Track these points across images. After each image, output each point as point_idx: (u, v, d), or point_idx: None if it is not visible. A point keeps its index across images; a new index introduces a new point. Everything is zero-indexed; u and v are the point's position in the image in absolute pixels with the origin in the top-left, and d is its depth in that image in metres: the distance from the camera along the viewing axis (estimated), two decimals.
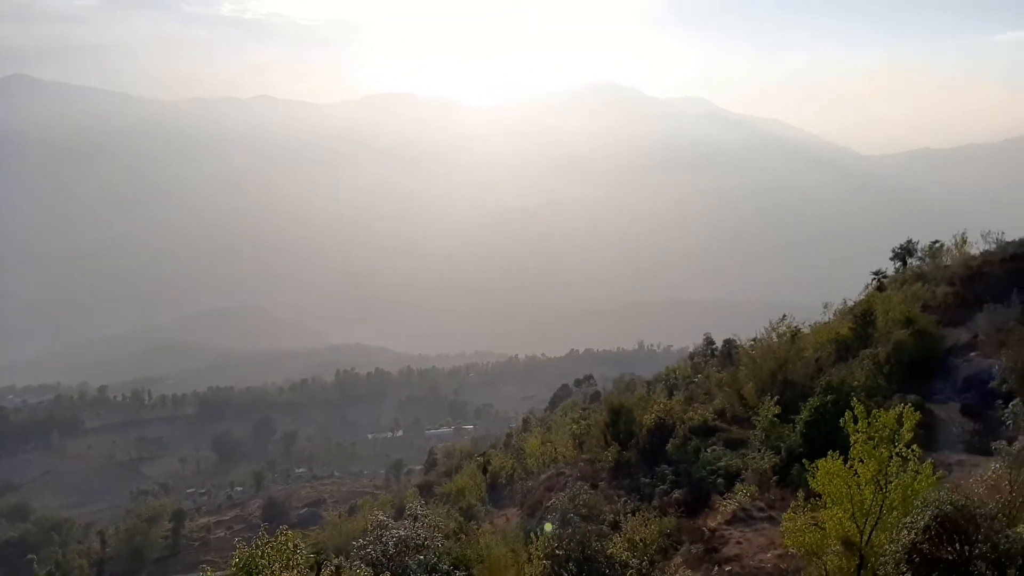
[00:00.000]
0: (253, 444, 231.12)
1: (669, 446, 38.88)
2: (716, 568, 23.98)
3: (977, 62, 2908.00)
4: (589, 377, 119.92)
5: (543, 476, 47.33)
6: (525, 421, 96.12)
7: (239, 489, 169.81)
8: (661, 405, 44.45)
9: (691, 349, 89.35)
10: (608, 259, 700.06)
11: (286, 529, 20.73)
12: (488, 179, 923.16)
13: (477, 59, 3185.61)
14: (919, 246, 58.87)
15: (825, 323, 50.72)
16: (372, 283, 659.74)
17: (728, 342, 59.91)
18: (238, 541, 20.92)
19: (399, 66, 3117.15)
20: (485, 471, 57.16)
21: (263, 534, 20.21)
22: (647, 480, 36.68)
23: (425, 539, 24.17)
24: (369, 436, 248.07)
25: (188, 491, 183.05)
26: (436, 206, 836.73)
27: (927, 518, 13.13)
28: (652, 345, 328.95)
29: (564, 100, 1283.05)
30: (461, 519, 39.78)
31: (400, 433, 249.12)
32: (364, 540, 24.30)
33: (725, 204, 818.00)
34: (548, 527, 28.37)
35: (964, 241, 56.63)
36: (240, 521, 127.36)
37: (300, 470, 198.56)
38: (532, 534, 26.81)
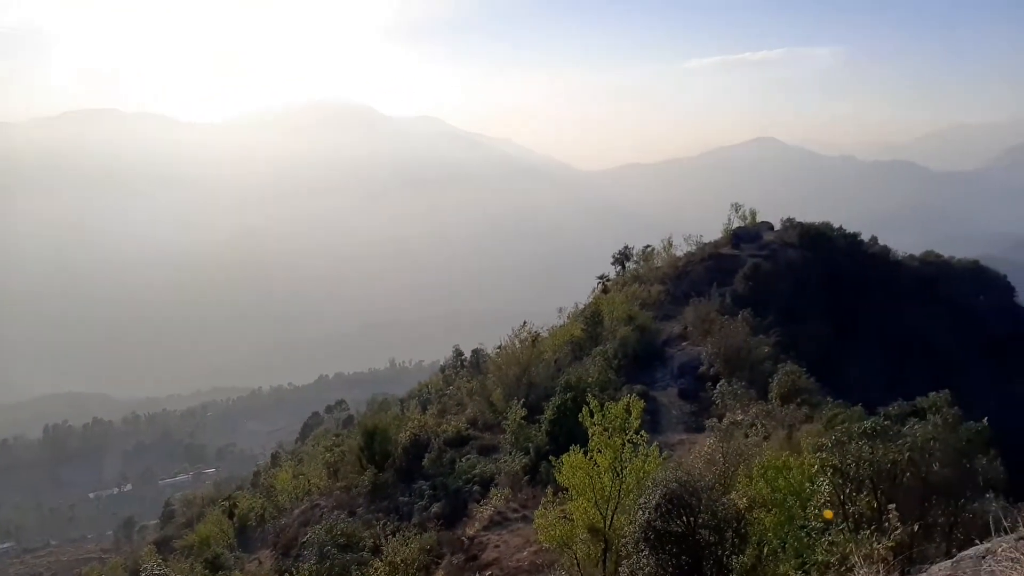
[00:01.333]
0: None
1: (425, 461, 38.97)
2: (477, 575, 24.33)
3: (669, 85, 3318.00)
4: (341, 402, 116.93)
5: (297, 511, 45.10)
6: (274, 456, 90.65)
7: None
8: (415, 421, 44.51)
9: (442, 362, 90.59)
10: (348, 280, 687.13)
11: None
12: (208, 201, 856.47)
13: (194, 72, 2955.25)
14: (634, 251, 65.90)
15: (561, 326, 54.45)
16: (78, 324, 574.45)
17: (476, 352, 61.68)
18: None
19: (102, 80, 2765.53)
20: (232, 515, 53.12)
21: None
22: (405, 499, 36.41)
23: None
24: (91, 495, 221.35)
25: None
26: (148, 232, 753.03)
27: (657, 497, 14.24)
28: (404, 362, 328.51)
29: (290, 117, 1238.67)
30: (207, 572, 36.45)
31: (128, 487, 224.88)
32: None
33: (459, 221, 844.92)
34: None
35: (670, 244, 64.70)
36: None
37: (5, 545, 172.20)
38: (287, 574, 25.24)
